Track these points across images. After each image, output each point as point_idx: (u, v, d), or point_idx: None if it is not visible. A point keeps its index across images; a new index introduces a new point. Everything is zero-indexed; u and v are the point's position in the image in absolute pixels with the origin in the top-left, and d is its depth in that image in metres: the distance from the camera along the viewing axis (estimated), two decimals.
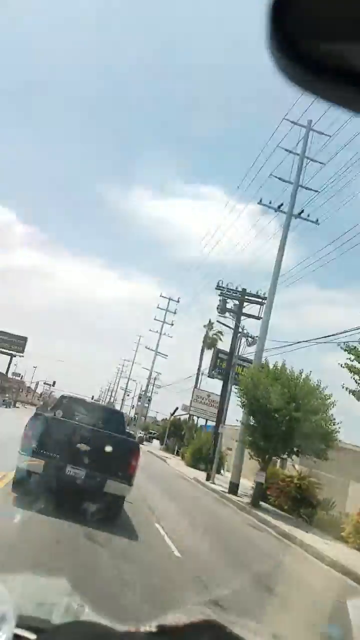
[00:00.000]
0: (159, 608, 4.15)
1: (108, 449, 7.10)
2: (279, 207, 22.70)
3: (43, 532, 5.73)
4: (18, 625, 0.88)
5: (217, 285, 24.95)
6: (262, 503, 17.30)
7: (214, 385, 40.11)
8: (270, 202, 22.99)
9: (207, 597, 4.96)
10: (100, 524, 6.52)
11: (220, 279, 26.24)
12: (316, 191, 22.31)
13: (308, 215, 22.53)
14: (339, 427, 16.36)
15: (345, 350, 11.66)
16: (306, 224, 22.80)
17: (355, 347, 11.62)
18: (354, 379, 11.54)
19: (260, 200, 23.13)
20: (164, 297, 47.15)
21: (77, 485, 7.07)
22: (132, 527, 7.33)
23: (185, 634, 0.80)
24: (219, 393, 38.77)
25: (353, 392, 11.51)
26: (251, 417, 17.93)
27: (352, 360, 11.53)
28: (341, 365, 11.75)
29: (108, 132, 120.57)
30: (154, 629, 0.79)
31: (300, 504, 17.84)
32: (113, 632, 0.86)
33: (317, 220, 22.57)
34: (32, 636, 0.87)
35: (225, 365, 37.89)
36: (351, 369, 11.53)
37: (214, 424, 39.76)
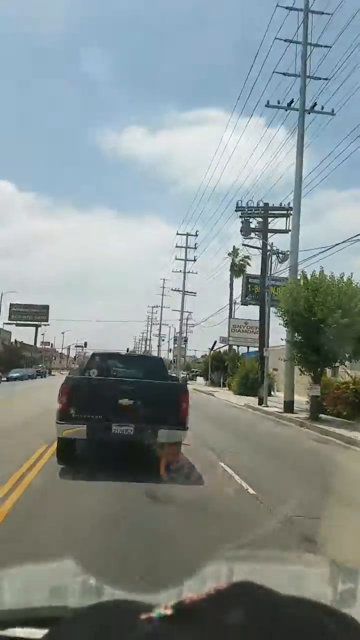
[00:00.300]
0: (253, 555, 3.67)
1: (153, 397, 6.76)
2: (289, 104, 20.51)
3: (100, 501, 5.26)
4: (25, 622, 0.80)
5: (237, 206, 23.51)
6: (320, 415, 16.99)
7: (250, 312, 39.51)
8: (278, 103, 20.78)
9: (295, 533, 4.45)
10: (160, 477, 6.13)
11: (237, 201, 24.59)
12: (326, 79, 19.93)
13: (322, 108, 20.33)
14: None
15: None
16: (319, 121, 20.61)
17: None
18: None
19: (268, 103, 20.96)
20: (182, 234, 45.59)
21: (128, 442, 6.76)
22: (196, 472, 6.87)
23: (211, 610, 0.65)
24: (255, 318, 38.29)
25: None
26: (296, 334, 17.25)
27: None
28: None
29: (93, 70, 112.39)
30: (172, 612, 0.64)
31: None
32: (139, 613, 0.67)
33: (333, 110, 20.38)
34: (40, 633, 0.74)
35: (257, 290, 37.04)
36: None
37: (255, 349, 39.56)
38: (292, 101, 20.39)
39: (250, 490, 6.01)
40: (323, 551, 4.01)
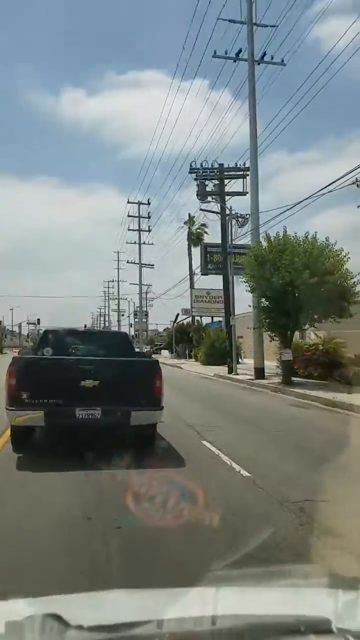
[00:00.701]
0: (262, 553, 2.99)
1: (122, 376, 6.15)
2: (237, 54, 19.33)
3: (65, 495, 4.46)
4: None
5: (191, 168, 22.36)
6: (293, 379, 16.77)
7: (210, 282, 38.93)
8: (226, 53, 19.55)
9: (312, 524, 3.77)
10: (137, 464, 5.31)
11: (190, 162, 23.35)
12: (274, 26, 18.85)
13: (272, 58, 19.32)
14: (358, 281, 15.23)
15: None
16: (269, 74, 19.60)
17: None
18: None
19: (215, 53, 19.67)
20: (133, 203, 43.74)
21: (96, 428, 5.99)
22: (178, 454, 6.14)
23: None
24: (217, 288, 37.78)
25: None
26: (263, 299, 16.74)
27: None
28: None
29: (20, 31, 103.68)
30: None
31: (331, 367, 17.42)
32: None
33: (283, 60, 19.44)
34: None
35: (217, 259, 36.38)
36: None
37: (219, 319, 39.41)
38: (240, 51, 19.23)
39: (244, 472, 5.32)
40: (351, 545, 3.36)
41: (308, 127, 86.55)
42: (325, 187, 13.54)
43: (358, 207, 9.89)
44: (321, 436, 7.51)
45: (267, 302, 16.44)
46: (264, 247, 16.08)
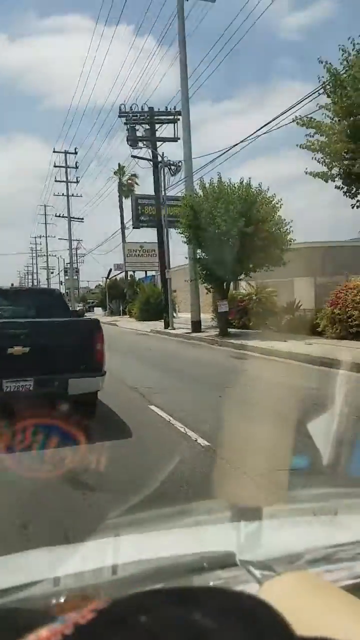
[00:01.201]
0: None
1: (58, 340, 5.35)
2: None
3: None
4: None
5: (120, 112, 20.63)
6: (229, 330, 16.81)
7: (143, 236, 37.79)
8: None
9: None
10: (79, 441, 4.60)
11: (120, 105, 21.58)
12: None
13: None
14: (291, 228, 15.21)
15: (302, 125, 9.37)
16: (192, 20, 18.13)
17: (312, 118, 9.34)
18: (315, 159, 9.57)
19: None
20: (59, 152, 40.43)
21: (27, 400, 5.10)
22: (123, 423, 5.56)
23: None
24: (149, 241, 36.71)
25: (317, 174, 9.67)
26: (199, 250, 16.29)
27: (312, 136, 9.38)
28: (300, 146, 9.63)
29: None
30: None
31: (264, 316, 17.69)
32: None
33: None
34: None
35: (148, 211, 35.07)
36: (311, 146, 9.44)
37: (153, 273, 38.65)
38: None
39: (201, 441, 4.81)
40: None
41: (230, 77, 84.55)
42: (262, 127, 12.93)
43: (297, 145, 9.45)
44: (277, 390, 7.28)
45: (204, 254, 16.01)
46: (199, 196, 15.39)
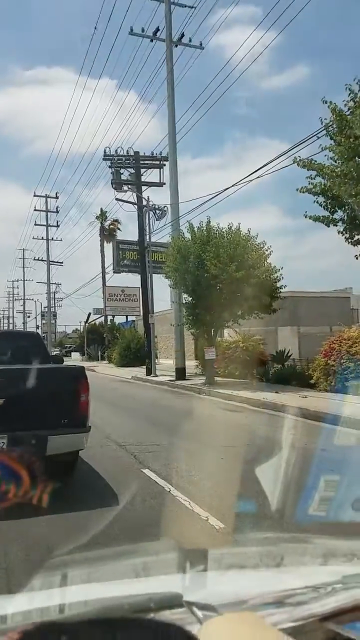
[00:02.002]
0: None
1: (37, 390, 4.43)
2: (155, 33, 18.12)
3: None
4: None
5: (105, 155, 20.61)
6: (215, 378, 15.92)
7: (122, 281, 37.23)
8: (143, 31, 18.22)
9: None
10: (56, 505, 3.70)
11: (105, 147, 21.63)
12: (192, 7, 18.02)
13: (190, 40, 18.46)
14: (281, 275, 14.81)
15: (303, 167, 9.08)
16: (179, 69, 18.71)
17: (313, 160, 9.08)
18: (317, 202, 9.22)
19: (132, 30, 18.21)
20: (40, 196, 40.40)
21: None
22: (113, 494, 4.54)
23: None
24: (130, 285, 36.17)
25: (318, 219, 9.29)
26: (186, 295, 15.67)
27: (314, 178, 9.06)
28: (300, 190, 9.29)
29: None
30: None
31: (252, 365, 16.95)
32: None
33: (201, 43, 18.72)
34: None
35: (130, 256, 34.80)
36: (312, 190, 9.12)
37: (133, 318, 37.84)
38: (157, 30, 18.05)
39: (214, 521, 3.79)
40: None
41: (210, 133, 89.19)
42: (258, 169, 12.77)
43: (297, 190, 9.13)
44: (285, 452, 6.34)
45: (191, 298, 15.37)
46: (187, 239, 14.97)
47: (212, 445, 6.78)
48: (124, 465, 5.59)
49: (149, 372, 20.33)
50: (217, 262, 13.77)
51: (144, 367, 21.81)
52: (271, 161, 11.49)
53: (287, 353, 16.61)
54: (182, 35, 18.25)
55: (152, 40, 18.42)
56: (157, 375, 19.64)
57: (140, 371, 22.45)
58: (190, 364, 19.16)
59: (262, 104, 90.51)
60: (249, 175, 13.11)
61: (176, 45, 18.22)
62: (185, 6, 18.08)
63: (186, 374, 17.95)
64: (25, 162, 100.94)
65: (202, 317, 14.97)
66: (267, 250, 14.82)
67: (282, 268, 14.81)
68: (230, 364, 17.67)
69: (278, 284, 14.91)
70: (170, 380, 17.51)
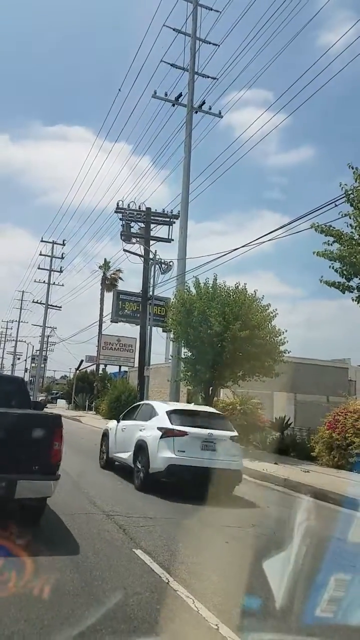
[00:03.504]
0: None
1: (10, 434, 4.65)
2: (177, 98, 19.03)
3: None
4: None
5: (117, 207, 20.91)
6: None
7: (119, 331, 36.84)
8: (166, 95, 19.14)
9: None
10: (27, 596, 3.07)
11: (118, 201, 22.09)
12: (214, 78, 19.10)
13: (210, 108, 19.37)
14: (286, 338, 14.35)
15: (321, 232, 8.95)
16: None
17: (331, 226, 8.97)
18: (333, 267, 9.00)
19: (155, 93, 19.14)
20: (47, 242, 40.91)
21: None
22: (97, 575, 3.80)
23: None
24: (127, 335, 35.68)
25: (334, 284, 9.03)
26: (186, 349, 15.15)
27: (331, 244, 8.91)
28: (316, 253, 9.11)
29: None
30: None
31: (249, 430, 16.09)
32: None
33: (220, 112, 19.60)
34: None
35: (129, 307, 34.62)
36: (329, 255, 8.93)
37: (126, 369, 36.94)
38: (180, 95, 18.98)
39: (226, 631, 3.01)
40: None
41: (215, 200, 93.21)
42: (271, 232, 12.72)
43: (313, 253, 8.95)
44: (301, 537, 5.54)
45: (190, 353, 14.84)
46: (192, 293, 14.70)
47: (213, 524, 5.96)
48: (113, 542, 4.76)
49: None
50: (221, 319, 13.41)
51: None
52: (288, 224, 11.49)
53: (287, 421, 15.84)
54: (203, 102, 19.18)
55: (173, 105, 19.31)
56: None
57: None
58: None
59: (267, 177, 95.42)
60: (263, 236, 13.10)
61: (196, 112, 19.07)
62: (208, 77, 19.19)
63: None
64: (37, 210, 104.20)
65: (201, 374, 14.35)
66: (272, 313, 14.49)
67: (286, 331, 14.39)
68: None
69: (282, 347, 14.45)
70: None
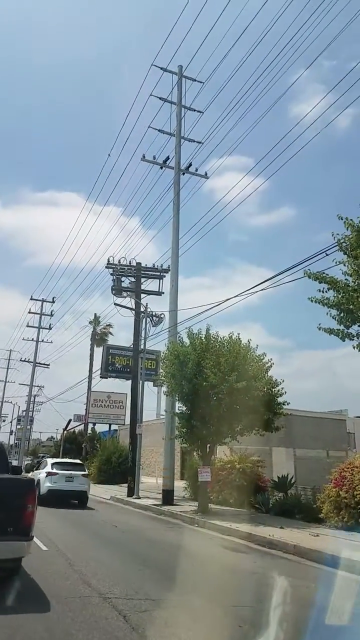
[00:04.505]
0: None
1: None
2: (165, 161, 19.75)
3: None
4: None
5: (108, 263, 20.97)
6: (209, 505, 13.92)
7: (109, 386, 35.89)
8: (154, 158, 19.87)
9: None
10: None
11: (108, 257, 22.26)
12: (200, 142, 19.98)
13: (196, 170, 20.09)
14: (283, 389, 13.77)
15: (315, 279, 8.79)
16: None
17: (325, 273, 8.82)
18: (330, 314, 8.75)
19: (144, 157, 19.85)
20: (36, 300, 40.80)
21: None
22: None
23: None
24: (116, 391, 34.64)
25: (332, 331, 8.72)
26: (180, 404, 14.44)
27: (326, 291, 8.72)
28: (311, 300, 8.89)
29: None
30: None
31: (249, 491, 15.05)
32: None
33: (206, 173, 20.31)
34: None
35: (119, 362, 33.94)
36: (325, 302, 8.71)
37: (116, 428, 35.52)
38: (167, 158, 19.69)
39: None
40: None
41: (202, 257, 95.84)
42: (264, 281, 12.62)
43: (308, 299, 8.73)
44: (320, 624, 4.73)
45: (185, 407, 14.14)
46: (186, 344, 14.26)
47: (221, 604, 5.13)
48: (109, 630, 3.98)
49: (130, 493, 18.03)
50: (217, 370, 12.90)
51: (125, 485, 19.49)
52: (279, 274, 11.40)
53: (290, 480, 14.87)
54: (190, 164, 19.90)
55: (161, 167, 19.97)
56: (139, 497, 17.37)
57: (121, 490, 20.03)
58: (178, 485, 17.11)
59: (250, 235, 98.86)
60: (255, 286, 12.95)
61: (184, 173, 19.73)
62: (194, 141, 20.06)
63: (174, 498, 15.88)
64: (26, 271, 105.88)
65: (197, 430, 13.58)
66: (267, 363, 14.00)
67: (283, 381, 13.85)
68: (225, 489, 15.71)
69: (280, 399, 13.85)
70: (156, 505, 15.35)
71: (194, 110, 20.36)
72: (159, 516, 13.82)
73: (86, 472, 16.38)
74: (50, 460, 17.13)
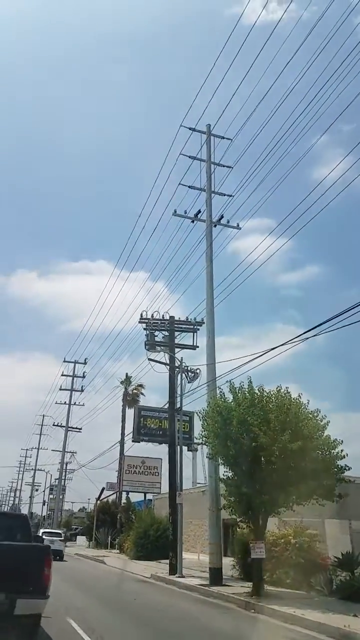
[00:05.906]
0: None
1: (10, 561, 5.77)
2: (197, 214, 19.71)
3: None
4: None
5: (141, 318, 20.49)
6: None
7: (141, 452, 34.14)
8: (185, 212, 19.89)
9: None
10: None
11: (141, 311, 21.84)
12: (230, 195, 19.94)
13: (228, 221, 19.89)
14: (343, 451, 11.98)
15: None
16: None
17: None
18: None
19: (175, 212, 19.88)
20: (69, 362, 40.65)
21: None
22: None
23: None
24: (149, 456, 32.80)
25: None
26: (226, 468, 12.94)
27: None
28: None
29: None
30: None
31: (308, 571, 13.02)
32: None
33: (238, 224, 20.06)
34: None
35: (150, 424, 32.48)
36: None
37: (150, 497, 33.23)
38: (198, 212, 19.66)
39: None
40: None
41: (230, 316, 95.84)
42: (308, 330, 11.59)
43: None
44: None
45: (232, 473, 12.65)
46: (228, 400, 13.00)
47: None
48: None
49: (173, 571, 16.06)
50: (266, 428, 11.53)
51: (164, 561, 17.50)
52: (318, 325, 10.41)
53: (358, 557, 12.81)
54: (222, 216, 19.78)
55: (193, 221, 19.91)
56: (183, 576, 15.40)
57: (161, 568, 17.98)
58: (224, 562, 15.11)
59: (279, 292, 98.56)
60: (298, 336, 11.94)
61: (215, 225, 19.58)
62: (224, 194, 20.08)
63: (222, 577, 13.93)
64: (60, 337, 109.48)
65: (249, 499, 11.97)
66: (322, 420, 12.39)
67: (342, 442, 12.07)
68: (279, 567, 13.68)
69: (340, 462, 12.03)
70: (203, 585, 13.45)
71: (223, 166, 20.59)
72: (209, 598, 11.98)
73: (62, 537, 26.54)
74: (41, 531, 25.93)
